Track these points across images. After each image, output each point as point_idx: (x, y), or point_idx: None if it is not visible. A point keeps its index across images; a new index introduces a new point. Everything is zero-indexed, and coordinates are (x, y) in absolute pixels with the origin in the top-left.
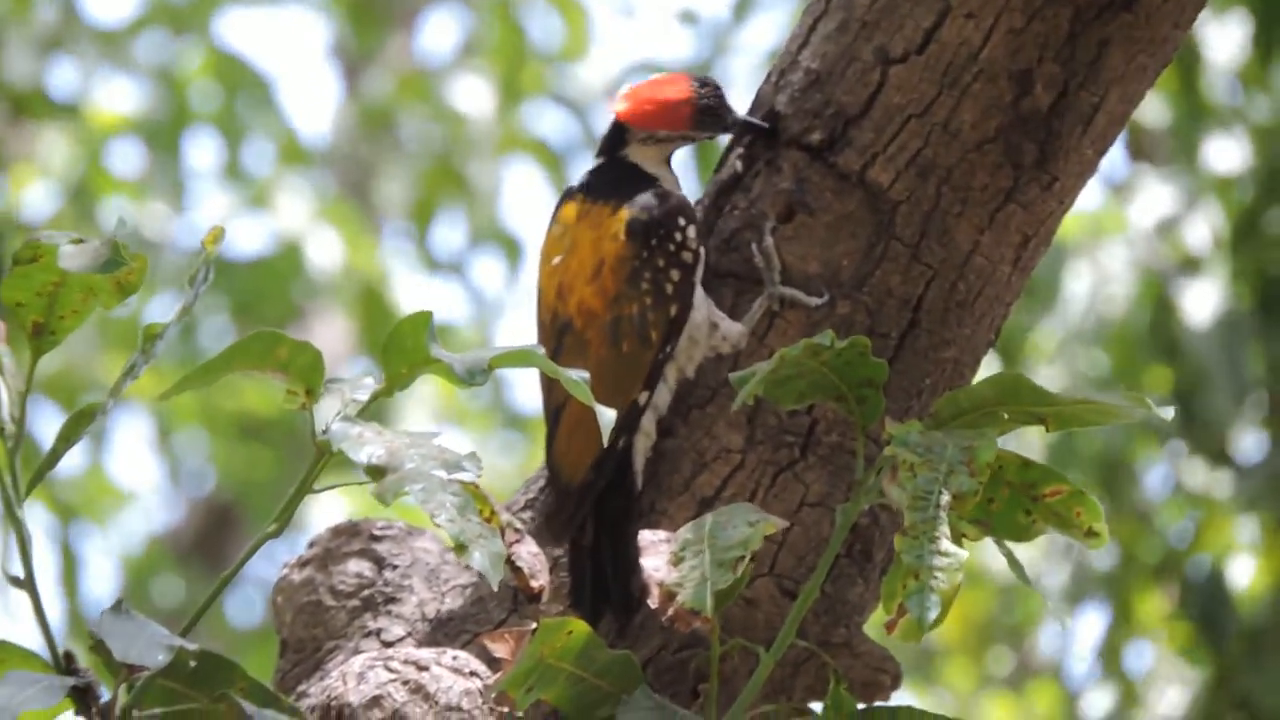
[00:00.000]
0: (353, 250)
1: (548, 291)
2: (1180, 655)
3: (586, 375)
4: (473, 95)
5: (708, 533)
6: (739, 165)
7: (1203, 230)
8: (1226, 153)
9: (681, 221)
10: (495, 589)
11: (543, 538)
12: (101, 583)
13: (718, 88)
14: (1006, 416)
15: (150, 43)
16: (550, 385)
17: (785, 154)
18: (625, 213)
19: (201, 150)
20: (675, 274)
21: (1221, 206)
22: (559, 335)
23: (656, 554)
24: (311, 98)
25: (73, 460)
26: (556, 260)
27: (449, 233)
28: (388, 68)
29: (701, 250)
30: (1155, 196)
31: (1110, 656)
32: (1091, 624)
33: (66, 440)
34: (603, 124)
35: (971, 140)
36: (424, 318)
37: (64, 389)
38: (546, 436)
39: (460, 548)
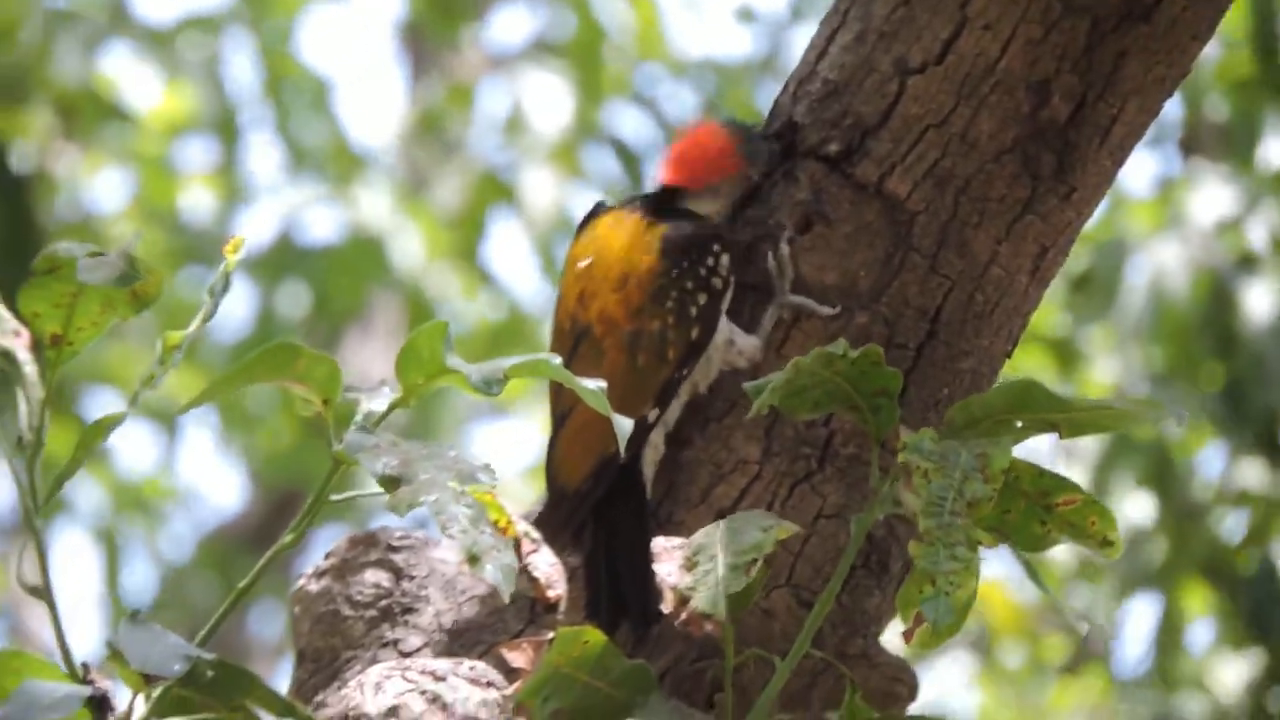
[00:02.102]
0: (431, 246)
1: (568, 296)
2: (1230, 649)
3: (604, 384)
4: (546, 89)
5: (721, 538)
6: (755, 177)
7: (1261, 229)
8: None
9: (717, 247)
10: (507, 601)
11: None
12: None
13: (752, 129)
14: (1020, 425)
15: (200, 42)
16: (559, 389)
17: (803, 165)
18: (662, 228)
19: (268, 143)
20: (702, 297)
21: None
22: (575, 341)
23: (670, 559)
24: (373, 99)
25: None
26: (582, 265)
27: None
28: (457, 63)
29: (733, 280)
30: (1214, 194)
31: (1162, 649)
32: (1143, 615)
33: (85, 449)
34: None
35: (989, 151)
36: (440, 328)
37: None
38: (549, 443)
39: (473, 560)
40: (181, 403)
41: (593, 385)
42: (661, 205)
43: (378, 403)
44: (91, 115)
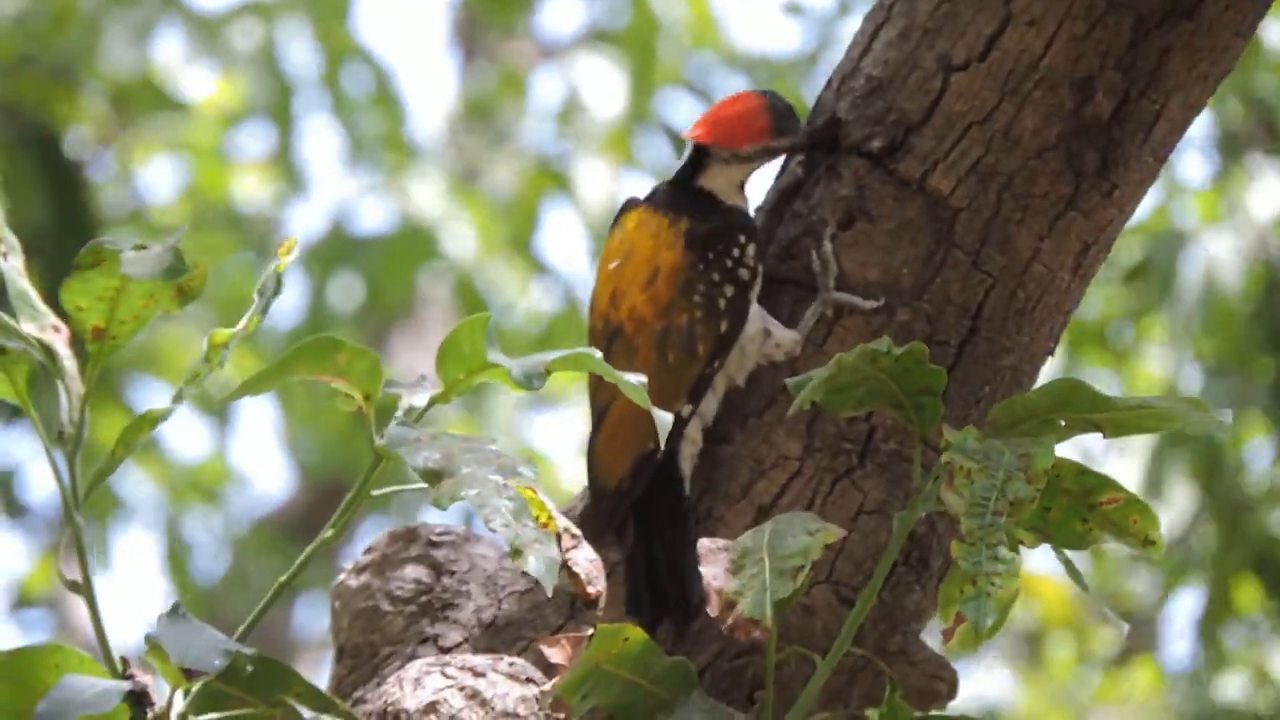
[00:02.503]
0: (483, 238)
1: (601, 298)
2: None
3: (643, 379)
4: (600, 78)
5: (767, 541)
6: (799, 172)
7: None
8: None
9: (742, 238)
10: (550, 594)
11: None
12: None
13: (789, 104)
14: (1064, 424)
15: (253, 29)
16: (597, 386)
17: (846, 161)
18: (685, 223)
19: (324, 132)
20: (729, 289)
21: None
22: (609, 341)
23: (715, 562)
24: (425, 87)
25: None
26: (613, 266)
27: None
28: (510, 51)
29: (760, 269)
30: (1270, 185)
31: (1208, 642)
32: (1189, 607)
33: (126, 445)
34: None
35: (1032, 148)
36: (481, 322)
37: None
38: (589, 441)
39: (516, 553)
40: (232, 389)
41: (633, 379)
42: (686, 189)
43: (419, 397)
44: (144, 104)
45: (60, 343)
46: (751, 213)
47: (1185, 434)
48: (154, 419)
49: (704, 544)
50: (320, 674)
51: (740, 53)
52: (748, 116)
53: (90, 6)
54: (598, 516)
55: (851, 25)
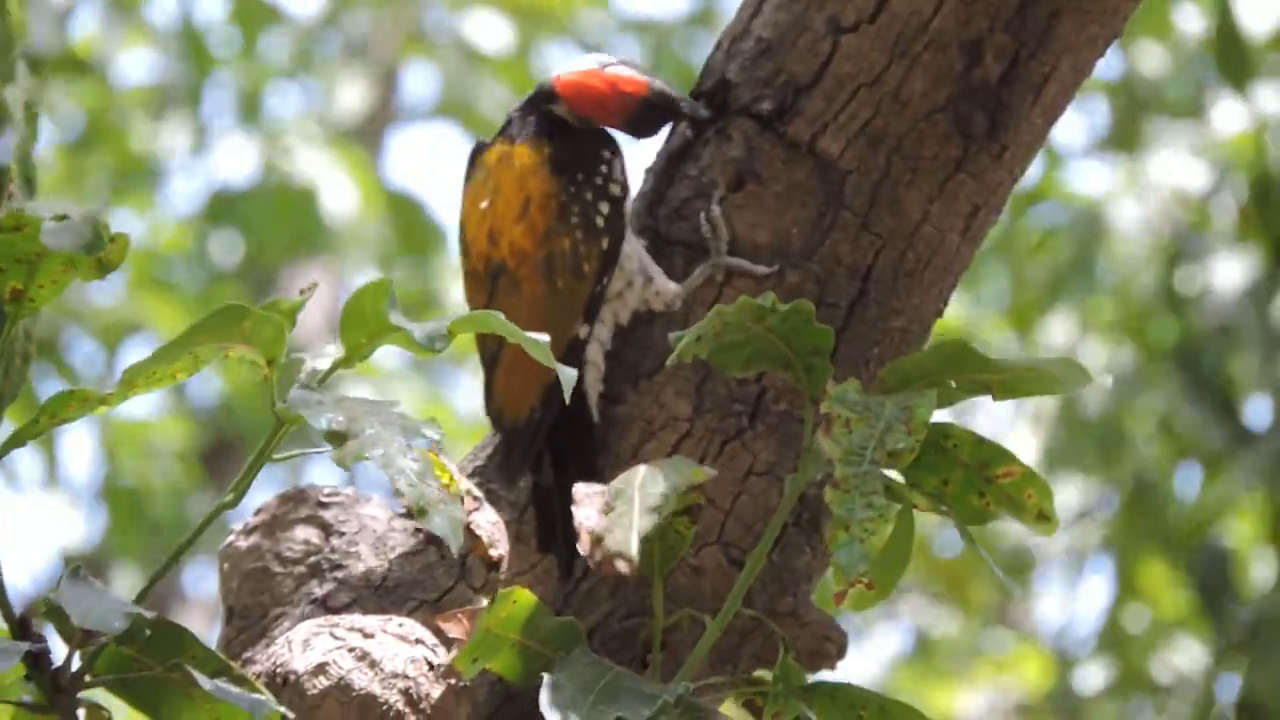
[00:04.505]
0: (365, 197)
1: (478, 239)
2: (1182, 626)
3: (546, 337)
4: (491, 33)
5: (639, 482)
6: (689, 133)
7: (1224, 196)
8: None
9: (607, 154)
10: (456, 555)
11: (497, 502)
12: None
13: (670, 103)
14: (954, 385)
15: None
16: (484, 335)
17: (735, 123)
18: (548, 149)
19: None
20: (604, 206)
21: (1241, 169)
22: (493, 279)
23: (590, 504)
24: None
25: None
26: (484, 205)
27: None
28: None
29: (629, 183)
30: (1170, 159)
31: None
32: (1091, 592)
33: (51, 417)
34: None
35: (921, 110)
36: (383, 286)
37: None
38: (485, 384)
39: (421, 512)
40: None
41: (537, 338)
42: (539, 115)
43: (321, 362)
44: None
45: None
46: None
47: (1081, 414)
48: (87, 399)
49: (579, 489)
50: (210, 634)
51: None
52: (610, 101)
53: None
54: (511, 457)
55: None
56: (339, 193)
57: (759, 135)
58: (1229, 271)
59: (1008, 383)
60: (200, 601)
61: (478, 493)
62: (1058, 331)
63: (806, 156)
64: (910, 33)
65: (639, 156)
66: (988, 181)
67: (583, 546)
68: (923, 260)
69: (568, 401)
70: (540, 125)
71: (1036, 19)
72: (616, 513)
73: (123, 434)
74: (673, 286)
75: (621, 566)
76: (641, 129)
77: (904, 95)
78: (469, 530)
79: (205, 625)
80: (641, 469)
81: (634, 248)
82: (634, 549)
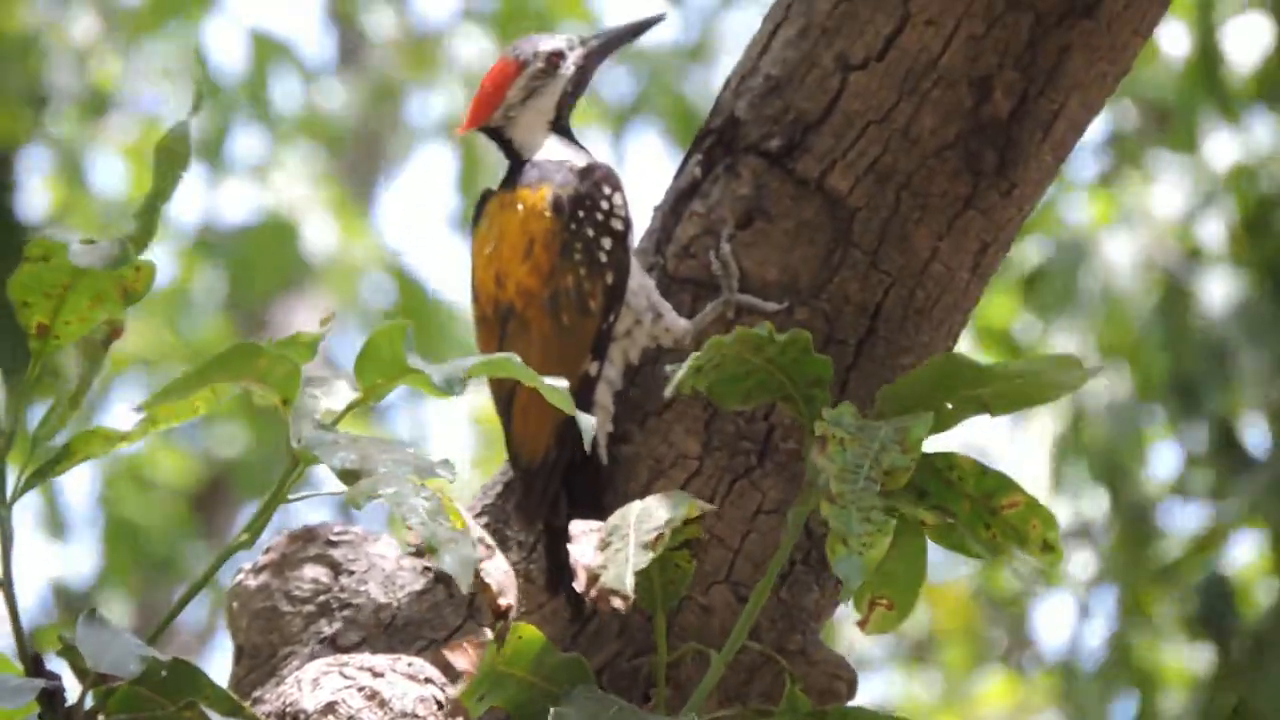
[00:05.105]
0: (346, 231)
1: (485, 283)
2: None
3: (565, 383)
4: (480, 57)
5: (635, 518)
6: (698, 171)
7: (1216, 224)
8: (1237, 144)
9: (607, 189)
10: (466, 593)
11: (505, 542)
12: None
13: (527, 53)
14: (950, 406)
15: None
16: (496, 378)
17: (744, 160)
18: (547, 189)
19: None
20: (607, 242)
21: (1234, 199)
22: (503, 323)
23: (586, 541)
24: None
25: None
26: (489, 250)
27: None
28: (384, 36)
29: (631, 217)
30: (1166, 188)
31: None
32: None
33: (73, 455)
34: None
35: (931, 147)
36: (400, 329)
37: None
38: (503, 427)
39: (431, 551)
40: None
41: (555, 383)
42: (522, 164)
43: (335, 401)
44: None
45: None
46: (592, 156)
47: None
48: (110, 437)
49: (577, 525)
50: (202, 666)
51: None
52: (485, 87)
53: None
54: (529, 498)
55: (732, 19)
56: (323, 229)
57: (768, 172)
58: (1222, 297)
59: (1005, 393)
60: (189, 632)
61: (490, 540)
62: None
63: (815, 194)
64: (919, 69)
65: (646, 195)
66: (997, 218)
67: (579, 584)
68: (932, 298)
69: (588, 448)
70: (534, 170)
71: (1046, 55)
72: (613, 549)
73: (119, 467)
74: (683, 323)
75: (616, 603)
76: (524, 68)
77: (913, 132)
78: (479, 578)
79: (193, 656)
80: (636, 505)
81: (641, 284)
82: (629, 585)
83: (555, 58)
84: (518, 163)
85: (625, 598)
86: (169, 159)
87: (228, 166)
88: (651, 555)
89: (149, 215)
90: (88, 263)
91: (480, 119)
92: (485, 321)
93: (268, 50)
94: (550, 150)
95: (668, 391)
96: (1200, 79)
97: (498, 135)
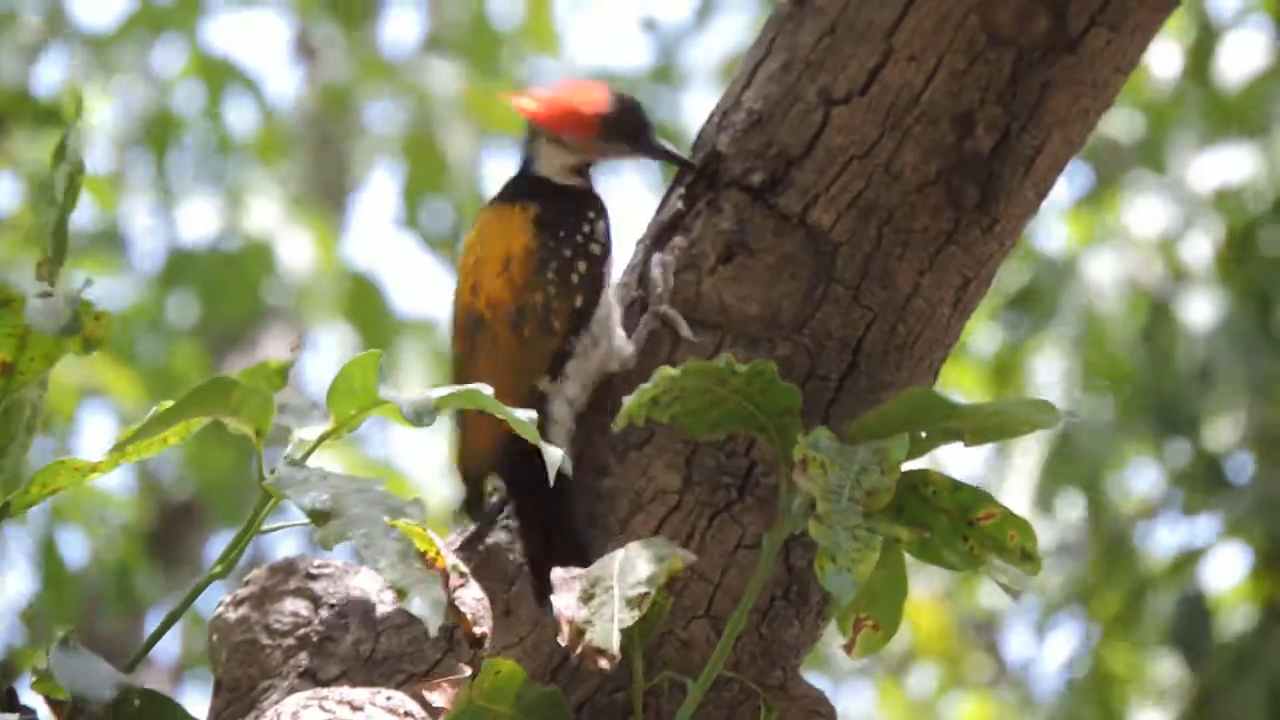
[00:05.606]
0: (322, 251)
1: (463, 293)
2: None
3: (534, 414)
4: (442, 80)
5: (618, 569)
6: (680, 205)
7: (1201, 244)
8: (1226, 165)
9: (590, 214)
10: (434, 634)
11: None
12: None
13: (638, 108)
14: (924, 435)
15: (135, 45)
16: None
17: (726, 194)
18: (534, 208)
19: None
20: (582, 265)
21: (1221, 220)
22: (472, 333)
23: (568, 590)
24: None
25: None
26: (471, 260)
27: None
28: (352, 60)
29: (613, 246)
30: (1149, 210)
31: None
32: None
33: (43, 489)
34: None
35: (913, 182)
36: (372, 359)
37: None
38: (457, 444)
39: (401, 594)
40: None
41: (523, 415)
42: (525, 178)
43: (309, 432)
44: (24, 119)
45: None
46: (598, 189)
47: (1071, 456)
48: (79, 468)
49: (557, 574)
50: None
51: (583, 66)
52: (580, 106)
53: None
54: (468, 498)
55: (699, 41)
56: (296, 252)
57: (750, 207)
58: (1205, 317)
59: (979, 428)
60: (160, 667)
61: (464, 568)
62: (1039, 390)
63: (798, 228)
64: (902, 105)
65: (629, 225)
66: (978, 254)
67: (563, 638)
68: (913, 333)
69: (552, 482)
70: (527, 187)
71: (1028, 92)
72: (597, 601)
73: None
74: (630, 348)
75: (604, 664)
76: (613, 143)
77: (895, 167)
78: (454, 606)
79: (165, 689)
80: (619, 554)
81: (609, 310)
82: (615, 645)
83: (614, 151)
84: (523, 173)
85: (612, 658)
86: (66, 171)
87: (190, 190)
88: (637, 613)
89: (59, 233)
90: (42, 326)
91: (554, 125)
92: (459, 329)
93: (221, 74)
94: (557, 171)
95: (618, 423)
96: (1189, 98)
97: (535, 137)
